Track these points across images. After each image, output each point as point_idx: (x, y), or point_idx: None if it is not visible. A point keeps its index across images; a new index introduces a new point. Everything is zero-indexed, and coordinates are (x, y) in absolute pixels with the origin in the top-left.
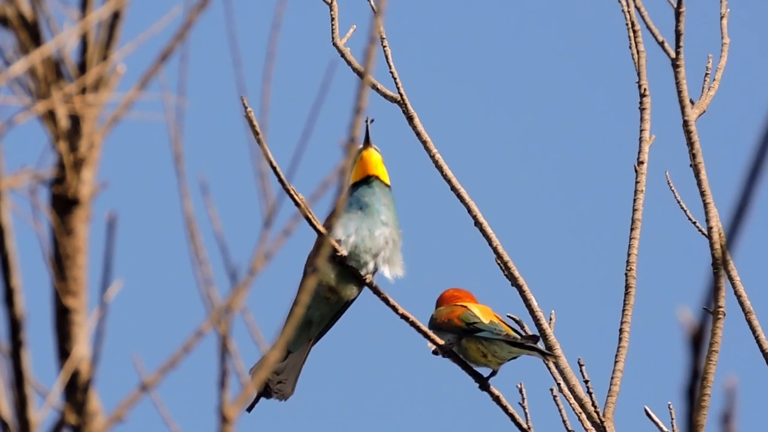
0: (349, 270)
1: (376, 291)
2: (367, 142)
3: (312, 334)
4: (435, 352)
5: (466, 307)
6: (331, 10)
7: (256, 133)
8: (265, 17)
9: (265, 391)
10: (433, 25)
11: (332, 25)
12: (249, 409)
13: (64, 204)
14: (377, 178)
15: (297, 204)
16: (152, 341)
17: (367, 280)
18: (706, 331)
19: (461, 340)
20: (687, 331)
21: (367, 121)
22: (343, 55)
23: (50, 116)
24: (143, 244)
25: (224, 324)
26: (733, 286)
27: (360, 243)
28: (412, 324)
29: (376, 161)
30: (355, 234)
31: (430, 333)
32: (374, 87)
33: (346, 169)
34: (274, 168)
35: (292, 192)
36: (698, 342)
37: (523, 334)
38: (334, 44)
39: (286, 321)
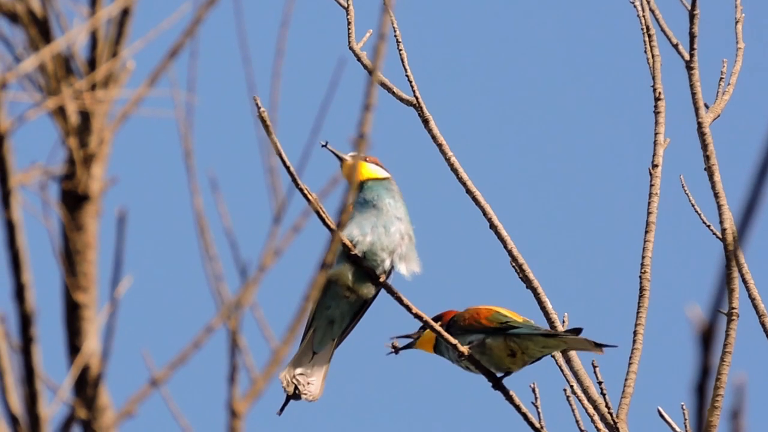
0: (364, 269)
1: (390, 291)
2: (341, 159)
3: (335, 334)
4: (394, 351)
5: (491, 308)
6: (348, 14)
7: (269, 133)
8: (275, 14)
9: (294, 393)
10: (448, 29)
11: (348, 29)
12: (279, 412)
13: (74, 200)
14: (370, 180)
15: (309, 201)
16: (162, 337)
17: (381, 280)
18: (716, 329)
19: (485, 341)
20: (697, 329)
21: (323, 146)
22: (359, 59)
23: (60, 112)
24: (153, 240)
25: (234, 320)
26: (747, 289)
27: (377, 241)
28: (426, 323)
29: (364, 169)
30: (371, 232)
31: (444, 333)
32: (390, 90)
33: (356, 165)
34: (287, 166)
35: (305, 190)
36: (708, 339)
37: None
38: (351, 48)
39: (300, 317)
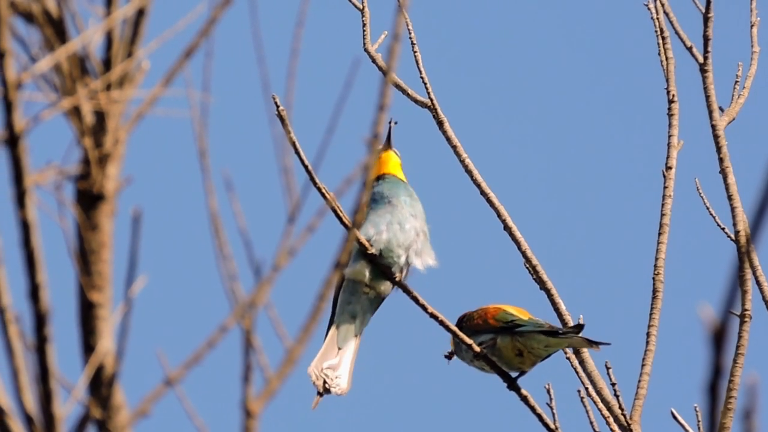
0: (380, 268)
1: (405, 290)
2: (388, 144)
3: (358, 330)
4: (448, 357)
5: (499, 307)
6: (363, 16)
7: (288, 132)
8: (290, 14)
9: (324, 387)
10: (463, 31)
11: (363, 30)
12: (313, 407)
13: (89, 199)
14: (393, 175)
15: (326, 199)
16: (176, 336)
17: (398, 279)
18: (728, 329)
19: (496, 341)
20: (708, 329)
21: (390, 123)
22: (374, 61)
23: (75, 112)
24: (168, 240)
25: (248, 319)
26: (761, 290)
27: (393, 238)
28: (441, 323)
29: (394, 163)
30: (387, 230)
31: (459, 333)
32: (404, 92)
33: (370, 166)
34: (305, 165)
35: (322, 189)
36: (720, 339)
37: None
38: (366, 49)
39: (314, 317)
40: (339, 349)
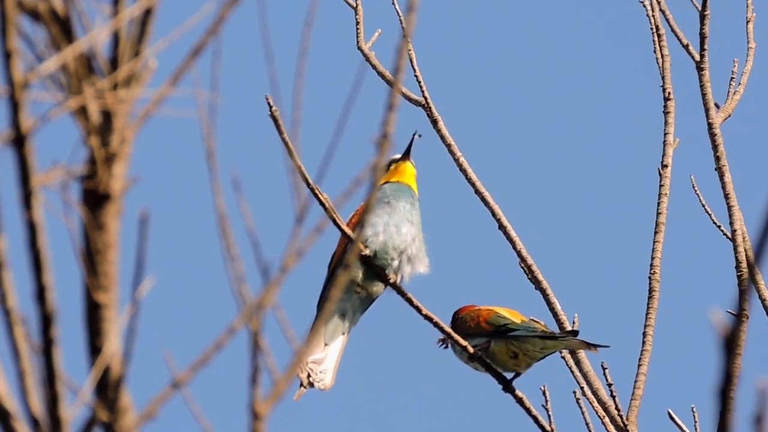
0: (374, 269)
1: (400, 291)
2: (407, 155)
3: (346, 329)
4: (442, 342)
5: (491, 310)
6: (356, 14)
7: (281, 132)
8: (298, 13)
9: (308, 381)
10: (458, 28)
11: (357, 29)
12: (296, 398)
13: (95, 199)
14: (407, 184)
15: (323, 206)
16: (184, 338)
17: (391, 280)
18: (737, 334)
19: (490, 344)
20: (719, 334)
21: (414, 135)
22: (367, 59)
23: (82, 112)
24: (175, 241)
25: (256, 321)
26: (757, 290)
27: (388, 240)
28: (436, 325)
29: (410, 173)
30: (383, 232)
31: (454, 334)
32: (399, 90)
33: (378, 166)
34: (300, 169)
35: (318, 193)
36: (730, 344)
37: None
38: (359, 48)
39: (319, 315)
40: (325, 345)
